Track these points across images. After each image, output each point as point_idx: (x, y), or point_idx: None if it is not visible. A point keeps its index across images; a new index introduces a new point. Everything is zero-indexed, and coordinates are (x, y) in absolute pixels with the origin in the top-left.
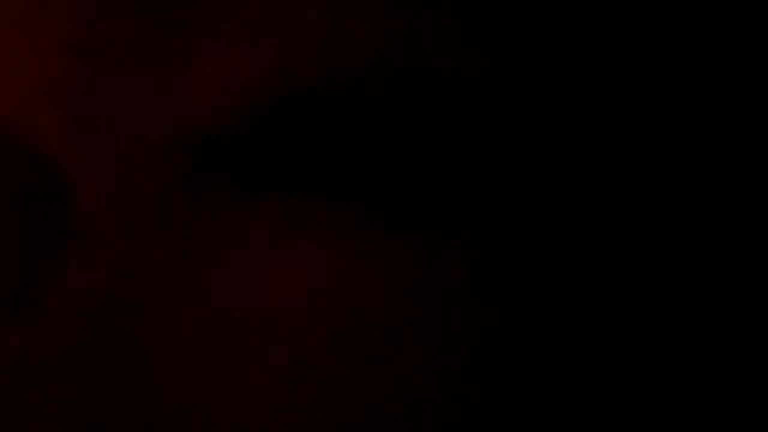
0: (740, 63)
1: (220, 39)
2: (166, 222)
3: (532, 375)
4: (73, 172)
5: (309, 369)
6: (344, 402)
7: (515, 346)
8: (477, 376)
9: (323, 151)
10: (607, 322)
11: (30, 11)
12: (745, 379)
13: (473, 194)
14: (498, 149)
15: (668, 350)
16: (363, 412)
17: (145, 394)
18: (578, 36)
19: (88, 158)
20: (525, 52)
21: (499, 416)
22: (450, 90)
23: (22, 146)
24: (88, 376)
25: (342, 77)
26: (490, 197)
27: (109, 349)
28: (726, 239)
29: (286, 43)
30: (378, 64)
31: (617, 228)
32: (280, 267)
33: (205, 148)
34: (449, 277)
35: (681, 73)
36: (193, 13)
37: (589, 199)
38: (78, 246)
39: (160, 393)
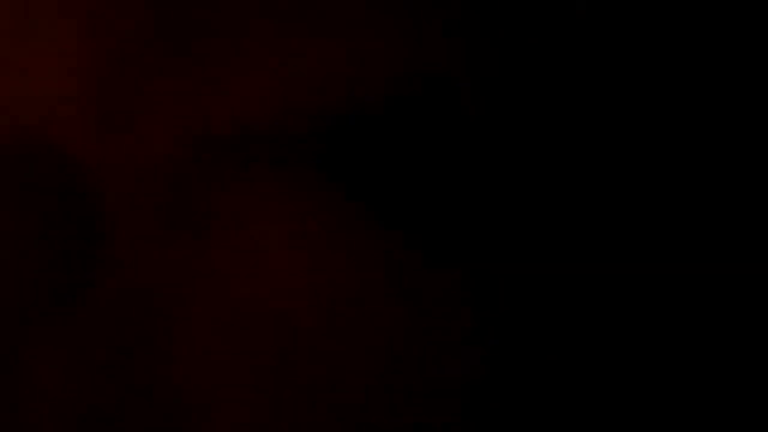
0: (740, 63)
1: (250, 54)
2: (194, 218)
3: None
4: (102, 172)
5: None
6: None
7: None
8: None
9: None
10: (602, 329)
11: (56, 15)
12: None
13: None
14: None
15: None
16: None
17: (168, 384)
18: (578, 35)
19: (116, 158)
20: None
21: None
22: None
23: (51, 150)
24: (118, 367)
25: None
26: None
27: (137, 344)
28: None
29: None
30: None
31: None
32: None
33: (237, 146)
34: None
35: (679, 73)
36: (225, 18)
37: (584, 197)
38: (107, 244)
39: (182, 383)
